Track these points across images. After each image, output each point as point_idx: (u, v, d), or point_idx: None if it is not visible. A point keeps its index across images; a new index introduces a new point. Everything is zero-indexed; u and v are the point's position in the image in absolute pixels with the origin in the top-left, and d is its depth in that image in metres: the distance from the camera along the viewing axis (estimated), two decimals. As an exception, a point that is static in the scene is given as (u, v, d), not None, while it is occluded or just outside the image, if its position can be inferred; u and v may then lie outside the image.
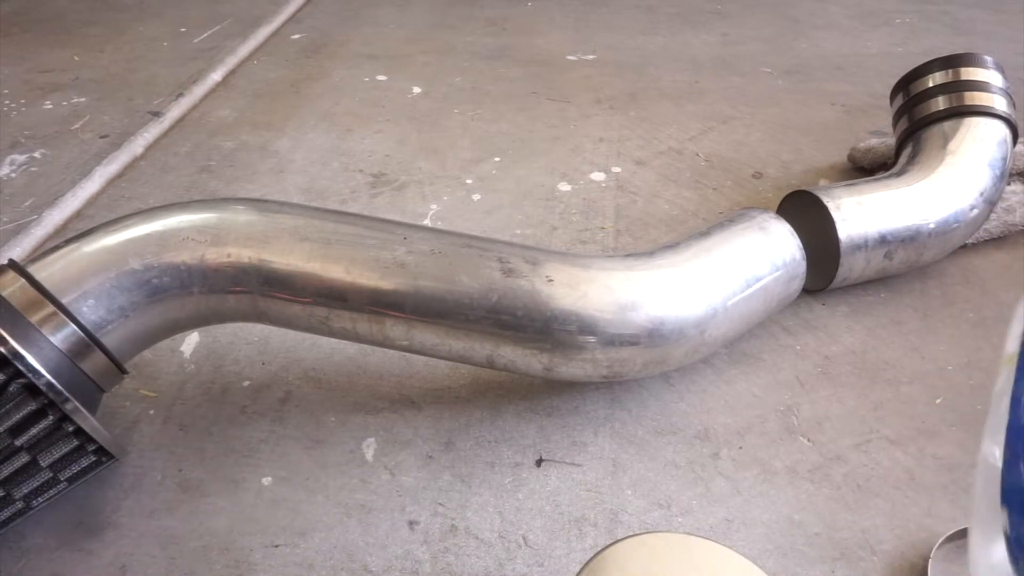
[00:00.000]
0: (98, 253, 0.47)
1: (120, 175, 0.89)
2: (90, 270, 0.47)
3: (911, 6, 1.46)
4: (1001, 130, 0.70)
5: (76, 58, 1.20)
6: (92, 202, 0.83)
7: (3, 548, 0.48)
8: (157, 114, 1.00)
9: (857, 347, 0.64)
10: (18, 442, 0.43)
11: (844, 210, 0.63)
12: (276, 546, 0.48)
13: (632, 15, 1.42)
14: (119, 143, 0.93)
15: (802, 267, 0.60)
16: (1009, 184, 0.75)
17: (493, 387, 0.60)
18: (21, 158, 0.92)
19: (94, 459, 0.47)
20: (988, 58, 0.73)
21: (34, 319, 0.44)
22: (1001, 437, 0.24)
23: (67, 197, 0.81)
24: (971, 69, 0.72)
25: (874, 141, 0.87)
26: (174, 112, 1.01)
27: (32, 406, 0.42)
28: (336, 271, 0.49)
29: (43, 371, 0.42)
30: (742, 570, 0.29)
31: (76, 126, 1.00)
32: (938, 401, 0.58)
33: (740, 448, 0.54)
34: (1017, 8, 1.43)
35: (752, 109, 1.05)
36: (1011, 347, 0.27)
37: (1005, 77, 0.73)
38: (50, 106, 1.05)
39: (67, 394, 0.42)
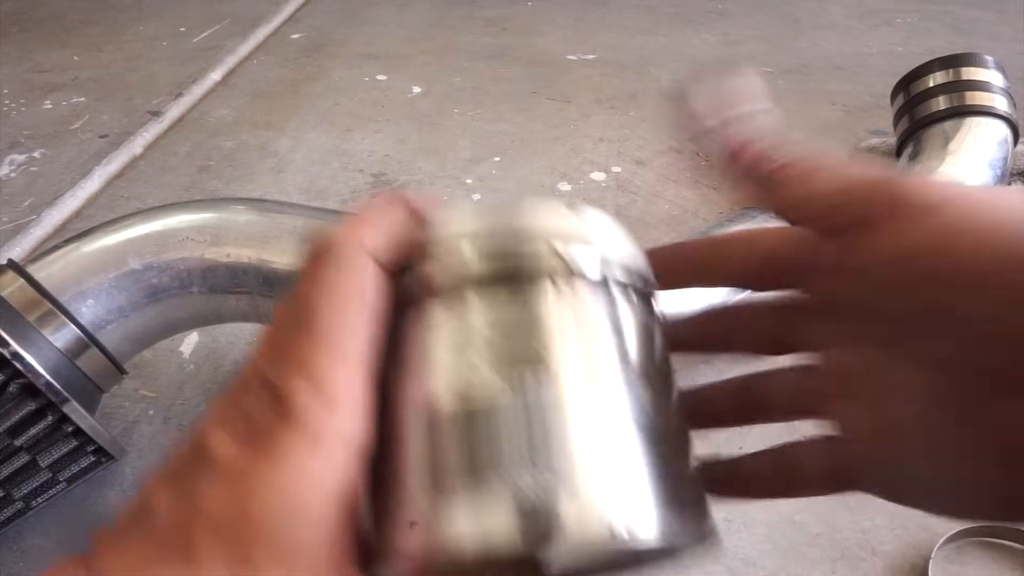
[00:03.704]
0: (97, 253, 0.47)
1: (119, 175, 0.88)
2: (89, 270, 0.46)
3: (912, 6, 1.46)
4: (1002, 130, 0.70)
5: (76, 58, 1.20)
6: (91, 202, 0.83)
7: (2, 548, 0.48)
8: (156, 114, 1.00)
9: (858, 347, 0.63)
10: (17, 442, 0.43)
11: (845, 210, 0.63)
12: (276, 547, 0.48)
13: (632, 15, 1.42)
14: (118, 143, 0.93)
15: (803, 267, 0.60)
16: (1010, 184, 0.75)
17: (493, 387, 0.60)
18: (20, 158, 0.92)
19: (93, 459, 0.47)
20: (989, 58, 0.72)
21: (33, 319, 0.43)
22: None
23: (66, 197, 0.81)
24: (972, 69, 0.72)
25: (875, 141, 0.87)
26: (173, 112, 1.01)
27: (31, 406, 0.42)
28: (336, 271, 0.49)
29: (42, 371, 0.42)
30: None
31: (75, 126, 0.99)
32: (939, 401, 0.58)
33: (740, 448, 0.54)
34: (1019, 8, 1.43)
35: (752, 109, 1.04)
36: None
37: (1006, 77, 0.73)
38: (49, 106, 1.05)
39: (66, 394, 0.42)
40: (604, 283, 0.20)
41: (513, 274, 0.19)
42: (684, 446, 0.20)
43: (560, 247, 0.19)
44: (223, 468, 0.17)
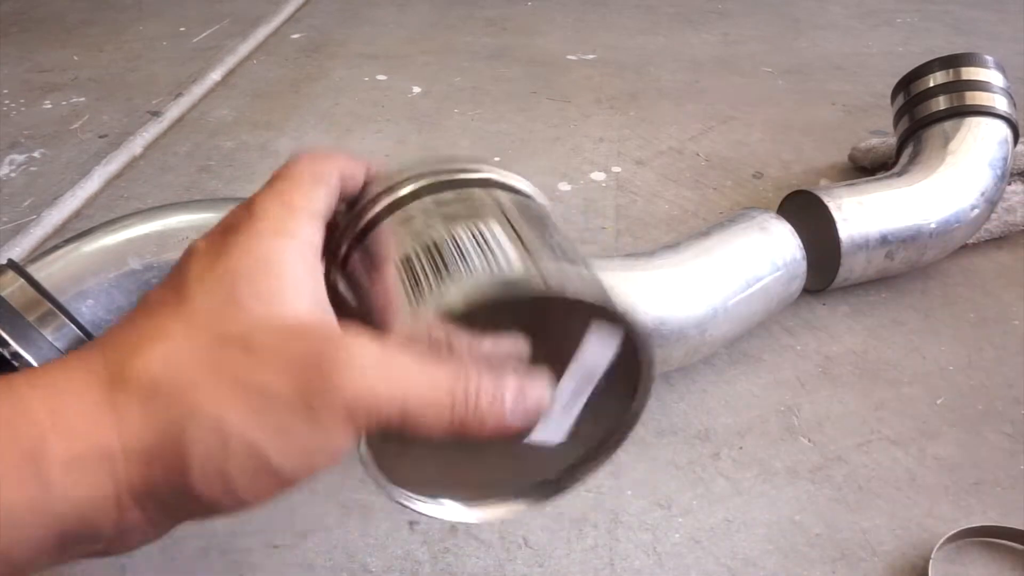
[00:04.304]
0: (97, 253, 0.47)
1: (119, 175, 0.88)
2: (89, 270, 0.46)
3: (912, 5, 1.46)
4: (1002, 130, 0.70)
5: (75, 58, 1.20)
6: (91, 202, 0.83)
7: (2, 549, 0.48)
8: (156, 114, 1.00)
9: (858, 347, 0.63)
10: (17, 442, 0.43)
11: (845, 210, 0.63)
12: (276, 546, 0.48)
13: (632, 15, 1.42)
14: (118, 143, 0.93)
15: (803, 267, 0.60)
16: (1010, 184, 0.75)
17: (493, 387, 0.60)
18: (20, 158, 0.92)
19: (93, 459, 0.47)
20: (989, 58, 0.73)
21: (33, 319, 0.43)
22: None
23: (66, 197, 0.81)
24: (972, 69, 0.72)
25: (875, 141, 0.87)
26: (173, 112, 1.01)
27: (31, 406, 0.42)
28: (336, 271, 0.49)
29: (42, 371, 0.42)
30: None
31: (75, 126, 0.99)
32: (939, 401, 0.58)
33: (740, 448, 0.54)
34: (1019, 8, 1.43)
35: (752, 109, 1.04)
36: None
37: (1006, 77, 0.73)
38: (49, 106, 1.05)
39: (66, 394, 0.42)
40: (512, 190, 0.29)
41: (451, 184, 0.27)
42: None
43: (483, 170, 0.28)
44: (205, 250, 0.22)
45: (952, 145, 0.68)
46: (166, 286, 0.21)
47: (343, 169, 0.25)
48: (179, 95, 1.05)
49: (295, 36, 1.31)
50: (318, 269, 0.22)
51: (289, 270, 0.21)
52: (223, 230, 0.22)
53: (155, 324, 0.20)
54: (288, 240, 0.21)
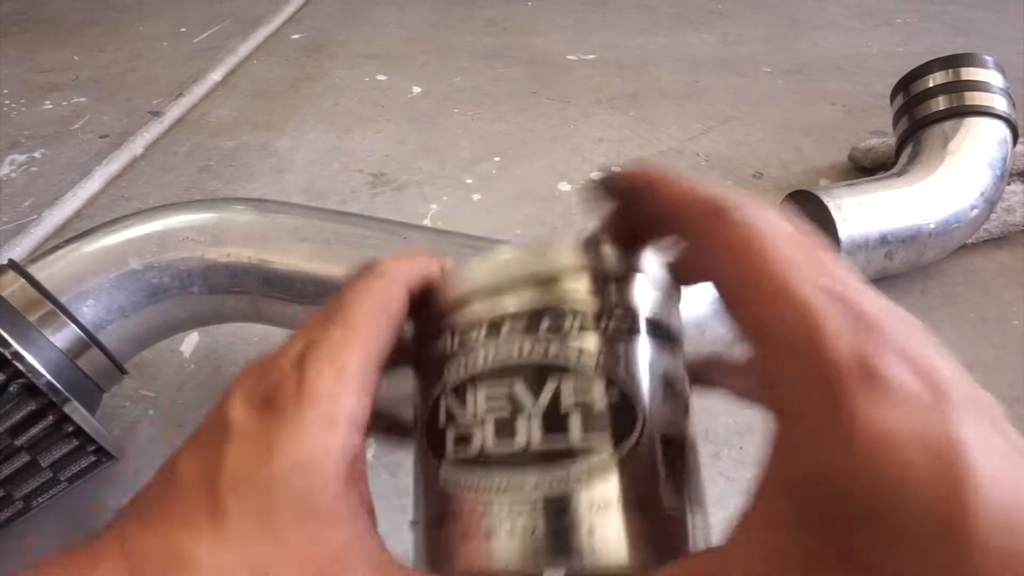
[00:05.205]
0: (98, 253, 0.47)
1: (120, 175, 0.89)
2: (90, 270, 0.47)
3: (912, 6, 1.46)
4: (1001, 130, 0.70)
5: (76, 58, 1.20)
6: (92, 202, 0.83)
7: (3, 548, 0.48)
8: (157, 114, 1.00)
9: (857, 347, 0.63)
10: (18, 442, 0.43)
11: (845, 210, 0.63)
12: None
13: (632, 15, 1.42)
14: (119, 143, 0.93)
15: (802, 267, 0.60)
16: (1009, 184, 0.75)
17: (493, 387, 0.60)
18: (21, 158, 0.92)
19: (94, 459, 0.47)
20: (989, 58, 0.73)
21: (34, 319, 0.43)
22: None
23: (67, 197, 0.81)
24: (972, 69, 0.72)
25: (875, 141, 0.87)
26: (174, 112, 1.01)
27: (32, 406, 0.42)
28: (336, 271, 0.49)
29: (43, 371, 0.42)
30: None
31: (76, 126, 0.99)
32: (939, 401, 0.58)
33: (740, 448, 0.54)
34: (1019, 8, 1.43)
35: (752, 109, 1.05)
36: None
37: (1006, 77, 0.73)
38: (50, 106, 1.05)
39: (67, 394, 0.42)
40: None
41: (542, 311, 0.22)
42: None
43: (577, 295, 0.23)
44: (245, 434, 0.19)
45: (951, 145, 0.68)
46: (196, 466, 0.20)
47: (412, 282, 0.23)
48: (180, 95, 1.05)
49: (295, 36, 1.31)
50: (358, 458, 0.21)
51: (334, 485, 0.19)
52: (265, 396, 0.20)
53: (179, 539, 0.18)
54: (335, 439, 0.19)
